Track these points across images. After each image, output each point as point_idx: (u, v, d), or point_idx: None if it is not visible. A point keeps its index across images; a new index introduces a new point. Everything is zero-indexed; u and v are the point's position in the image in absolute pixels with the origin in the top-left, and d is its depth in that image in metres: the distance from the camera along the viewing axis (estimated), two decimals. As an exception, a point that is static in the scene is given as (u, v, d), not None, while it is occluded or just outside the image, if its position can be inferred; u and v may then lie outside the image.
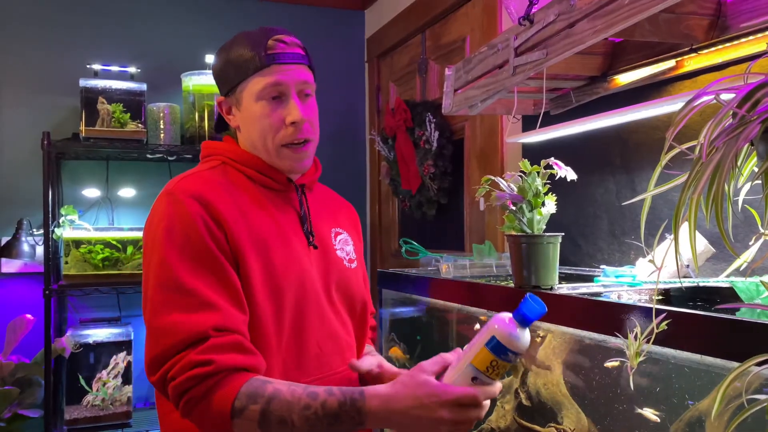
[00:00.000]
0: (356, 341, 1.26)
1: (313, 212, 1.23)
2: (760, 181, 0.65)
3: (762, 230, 0.78)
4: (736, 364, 0.65)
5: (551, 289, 1.25)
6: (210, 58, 2.75)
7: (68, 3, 2.83)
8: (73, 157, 2.79)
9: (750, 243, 0.85)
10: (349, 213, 1.37)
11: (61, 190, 2.78)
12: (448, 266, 1.67)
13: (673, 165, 0.76)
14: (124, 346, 2.56)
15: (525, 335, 0.93)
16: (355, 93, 3.33)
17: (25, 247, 2.61)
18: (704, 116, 0.88)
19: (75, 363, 2.50)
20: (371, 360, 1.22)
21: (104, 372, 2.54)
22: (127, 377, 2.55)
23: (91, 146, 2.57)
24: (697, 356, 0.88)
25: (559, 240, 1.28)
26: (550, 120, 1.70)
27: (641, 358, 0.81)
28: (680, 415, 1.03)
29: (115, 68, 2.74)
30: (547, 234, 1.27)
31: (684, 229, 0.69)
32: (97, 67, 2.68)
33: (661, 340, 0.87)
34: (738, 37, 1.18)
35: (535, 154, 1.66)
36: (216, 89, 1.81)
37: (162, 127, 2.71)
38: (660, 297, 1.11)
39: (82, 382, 2.51)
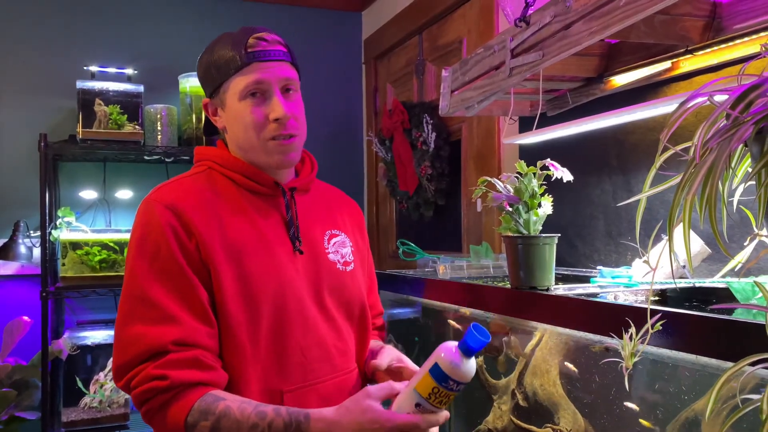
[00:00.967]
0: (358, 345, 1.25)
1: (306, 215, 1.21)
2: (754, 182, 0.65)
3: (756, 231, 0.78)
4: (730, 364, 0.65)
5: (547, 289, 1.25)
6: (207, 60, 2.74)
7: (65, 5, 2.83)
8: (70, 159, 2.78)
9: (745, 243, 0.86)
10: (352, 211, 1.35)
11: (58, 192, 2.78)
12: (445, 267, 1.67)
13: (669, 166, 0.77)
14: (122, 347, 2.55)
15: (469, 365, 0.96)
16: (352, 94, 3.33)
17: (22, 249, 2.61)
18: (700, 117, 0.88)
19: (72, 365, 2.50)
20: (390, 354, 1.22)
21: (101, 374, 2.54)
22: (124, 379, 2.54)
23: (88, 148, 2.57)
24: (692, 356, 0.89)
25: (556, 241, 1.29)
26: (546, 121, 1.70)
27: (636, 359, 0.81)
28: (676, 416, 1.03)
29: (112, 70, 2.74)
30: (544, 235, 1.27)
31: (679, 229, 0.70)
32: (94, 68, 2.69)
33: (656, 340, 0.88)
34: (733, 39, 1.19)
35: (531, 155, 1.66)
36: (213, 91, 1.81)
37: (159, 128, 2.71)
38: (656, 297, 1.12)
39: (80, 384, 2.50)
